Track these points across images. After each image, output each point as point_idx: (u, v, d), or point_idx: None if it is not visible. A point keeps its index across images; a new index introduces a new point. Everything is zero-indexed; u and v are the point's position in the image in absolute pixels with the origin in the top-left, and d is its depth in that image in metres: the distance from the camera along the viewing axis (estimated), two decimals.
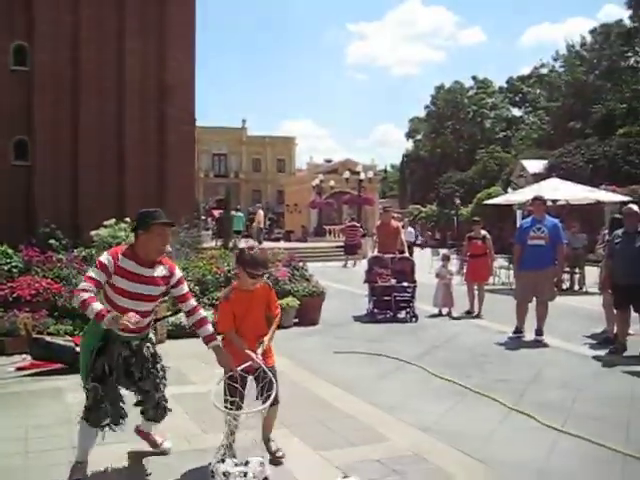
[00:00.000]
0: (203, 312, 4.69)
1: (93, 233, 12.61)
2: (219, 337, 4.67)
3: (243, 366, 4.48)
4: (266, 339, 4.68)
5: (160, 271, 4.49)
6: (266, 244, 29.67)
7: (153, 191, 15.66)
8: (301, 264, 12.87)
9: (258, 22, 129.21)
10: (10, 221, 13.68)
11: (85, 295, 4.13)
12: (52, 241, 12.67)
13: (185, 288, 4.67)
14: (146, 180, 15.66)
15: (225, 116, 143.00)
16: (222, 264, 12.09)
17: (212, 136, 67.88)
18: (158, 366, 4.80)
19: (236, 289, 4.77)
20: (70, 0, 15.48)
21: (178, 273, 4.66)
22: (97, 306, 4.12)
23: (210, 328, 4.60)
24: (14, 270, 10.91)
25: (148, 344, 4.71)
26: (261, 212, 32.43)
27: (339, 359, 8.85)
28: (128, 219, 12.88)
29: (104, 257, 4.34)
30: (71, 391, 7.48)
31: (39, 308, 10.03)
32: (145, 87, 15.87)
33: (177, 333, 10.20)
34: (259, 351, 4.55)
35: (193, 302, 4.69)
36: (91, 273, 4.29)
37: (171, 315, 10.10)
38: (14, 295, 10.21)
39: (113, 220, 12.85)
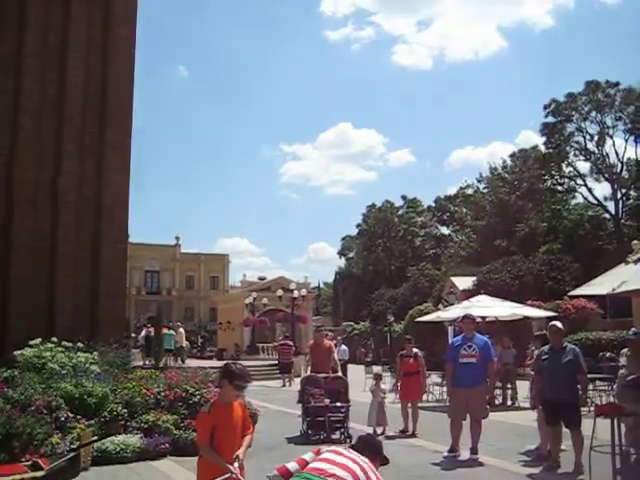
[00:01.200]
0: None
1: (17, 353, 12.15)
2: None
3: (222, 477, 4.55)
4: (240, 453, 4.83)
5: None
6: (198, 362, 29.02)
7: (84, 310, 15.32)
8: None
9: (193, 137, 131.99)
10: None
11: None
12: None
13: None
14: (77, 298, 15.34)
15: (159, 233, 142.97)
16: (152, 385, 11.74)
17: (145, 252, 67.56)
18: None
19: (216, 403, 4.99)
20: (8, 123, 15.54)
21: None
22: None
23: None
24: None
25: None
26: (182, 330, 31.78)
27: None
28: (55, 338, 12.52)
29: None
30: None
31: None
32: (81, 207, 15.86)
33: (103, 459, 9.75)
34: (235, 465, 4.65)
35: None
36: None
37: (97, 440, 9.68)
38: None
39: (39, 340, 12.45)
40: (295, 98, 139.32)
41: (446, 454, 10.22)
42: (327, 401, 12.40)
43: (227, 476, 4.51)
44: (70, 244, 15.62)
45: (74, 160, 16.05)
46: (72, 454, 8.71)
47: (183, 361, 27.89)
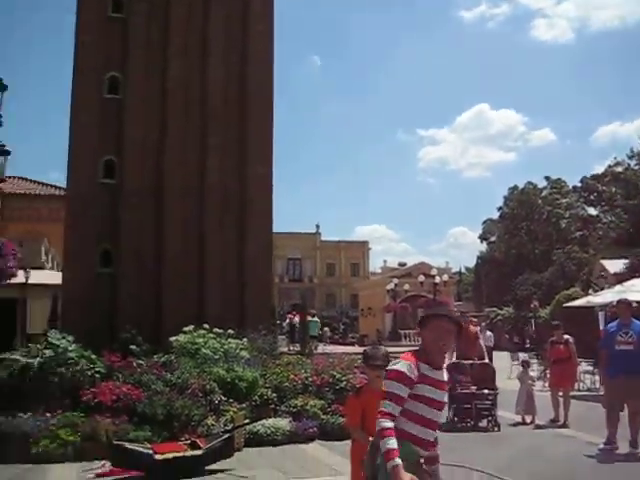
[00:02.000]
0: None
1: (172, 339, 12.85)
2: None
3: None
4: None
5: (445, 374, 4.00)
6: (341, 348, 29.42)
7: (233, 297, 15.96)
8: None
9: (329, 126, 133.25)
10: (94, 327, 14.08)
11: (388, 424, 3.63)
12: (133, 347, 12.95)
13: None
14: (226, 286, 16.00)
15: (299, 221, 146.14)
16: (299, 370, 12.05)
17: (287, 241, 69.11)
18: None
19: (365, 387, 5.13)
20: (157, 122, 16.39)
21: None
22: (393, 443, 3.57)
23: None
24: (97, 375, 11.16)
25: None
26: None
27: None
28: (207, 325, 13.12)
29: (403, 365, 3.79)
30: None
31: (119, 414, 10.17)
32: (226, 199, 16.49)
33: (255, 441, 10.13)
34: None
35: None
36: (394, 389, 3.73)
37: (249, 423, 10.06)
38: (96, 400, 10.41)
39: (192, 326, 13.09)
40: (430, 81, 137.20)
41: (602, 446, 9.74)
42: (474, 388, 12.22)
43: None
44: (217, 236, 16.29)
45: (218, 154, 16.70)
46: (227, 435, 9.12)
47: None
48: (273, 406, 11.15)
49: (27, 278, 22.90)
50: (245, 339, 13.20)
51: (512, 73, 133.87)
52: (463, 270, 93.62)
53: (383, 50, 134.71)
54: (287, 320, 31.60)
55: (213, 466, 8.73)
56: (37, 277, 24.99)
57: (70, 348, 11.31)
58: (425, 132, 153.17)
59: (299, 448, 10.23)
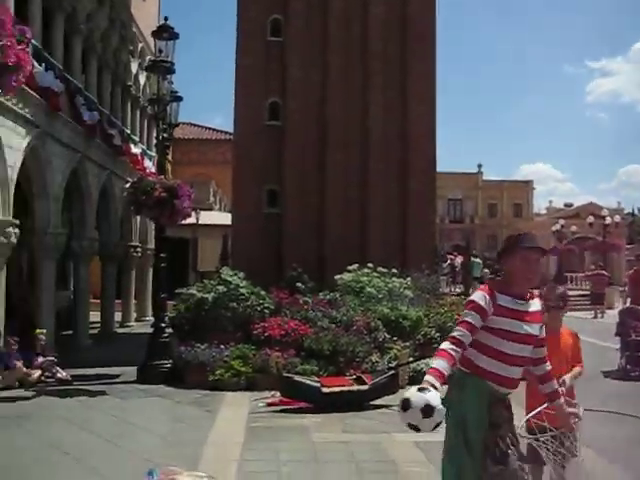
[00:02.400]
0: (549, 365, 3.96)
1: (337, 277, 13.13)
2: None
3: (540, 409, 4.08)
4: (567, 377, 4.57)
5: (536, 305, 3.74)
6: None
7: (394, 238, 15.97)
8: None
9: (491, 62, 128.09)
10: (262, 265, 14.66)
11: (445, 345, 3.35)
12: (299, 284, 13.37)
13: (544, 333, 3.88)
14: (388, 227, 16.03)
15: (460, 161, 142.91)
16: (462, 311, 11.94)
17: (447, 181, 67.79)
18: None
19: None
20: (319, 62, 16.49)
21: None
22: (438, 363, 3.23)
23: (554, 384, 3.98)
24: (266, 311, 11.68)
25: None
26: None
27: (590, 417, 8.26)
28: (370, 264, 13.26)
29: (478, 296, 3.57)
30: (316, 430, 7.78)
31: (288, 348, 10.62)
32: (387, 138, 16.37)
33: (418, 379, 10.21)
34: (562, 389, 4.17)
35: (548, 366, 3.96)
36: (466, 317, 3.49)
37: (414, 361, 10.15)
38: (266, 334, 10.93)
39: (356, 265, 13.29)
40: (601, 7, 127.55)
41: None
42: None
43: (545, 406, 4.11)
44: (379, 175, 16.28)
45: (380, 93, 16.56)
46: (391, 372, 9.26)
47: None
48: (436, 345, 11.15)
49: (197, 219, 24.24)
50: (409, 278, 13.22)
51: None
52: (636, 211, 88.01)
53: None
54: (448, 261, 31.25)
55: (378, 401, 8.93)
56: (207, 218, 26.40)
57: (241, 284, 11.88)
58: (595, 63, 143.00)
59: None
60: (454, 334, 3.41)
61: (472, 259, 26.89)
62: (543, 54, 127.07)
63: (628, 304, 12.76)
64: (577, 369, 4.80)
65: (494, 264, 43.97)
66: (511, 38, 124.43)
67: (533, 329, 3.64)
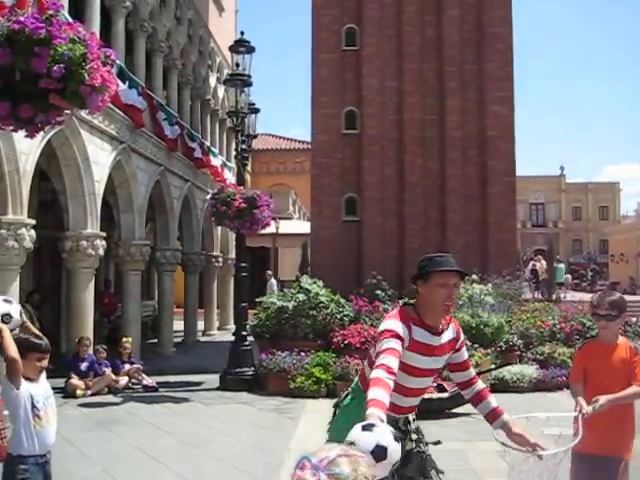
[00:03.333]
0: (481, 383, 3.63)
1: None
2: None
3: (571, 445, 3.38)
4: (603, 399, 3.70)
5: (449, 334, 3.38)
6: (589, 296, 27.95)
7: (474, 243, 15.79)
8: (634, 319, 11.94)
9: (573, 60, 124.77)
10: (342, 273, 14.75)
11: (380, 374, 2.81)
12: (378, 292, 13.34)
13: (466, 353, 3.57)
14: (467, 233, 15.87)
15: (540, 164, 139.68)
16: (546, 317, 11.68)
17: (529, 185, 66.53)
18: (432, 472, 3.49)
19: (595, 341, 4.25)
20: (394, 69, 16.51)
21: (462, 334, 3.56)
22: (380, 393, 2.72)
23: (492, 402, 3.49)
24: (345, 319, 11.72)
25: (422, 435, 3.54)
26: (543, 262, 29.52)
27: None
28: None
29: (396, 326, 3.10)
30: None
31: (366, 355, 10.60)
32: (465, 142, 16.24)
33: (500, 387, 10.04)
34: (589, 408, 3.65)
35: (472, 371, 3.64)
36: (390, 343, 2.99)
37: (496, 368, 9.98)
38: (345, 342, 10.96)
39: None
40: None
41: None
42: None
43: (574, 414, 3.70)
44: (458, 180, 16.14)
45: (457, 97, 16.44)
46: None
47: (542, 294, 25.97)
48: (519, 352, 10.96)
49: (277, 228, 24.52)
50: (489, 284, 13.03)
51: None
52: None
53: None
54: (530, 266, 30.49)
55: (459, 409, 8.82)
56: (286, 227, 26.68)
57: (321, 292, 11.95)
58: None
59: (546, 396, 9.98)
60: (384, 362, 2.88)
61: (555, 264, 26.16)
62: (625, 48, 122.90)
63: None
64: (632, 388, 3.93)
65: (578, 269, 42.84)
66: (592, 34, 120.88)
67: (438, 363, 3.35)
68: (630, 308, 17.10)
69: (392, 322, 3.12)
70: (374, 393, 2.69)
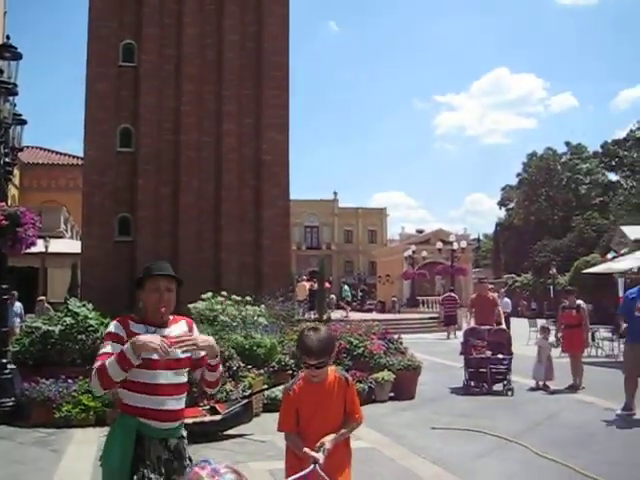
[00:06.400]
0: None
1: (191, 306, 12.93)
2: None
3: (301, 474, 3.39)
4: (327, 441, 3.57)
5: (179, 328, 3.60)
6: (358, 315, 29.52)
7: (249, 265, 16.06)
8: (396, 337, 12.77)
9: (344, 93, 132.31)
10: (114, 294, 14.23)
11: (97, 364, 3.24)
12: None
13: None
14: (242, 255, 16.10)
15: (316, 188, 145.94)
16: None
17: (304, 208, 69.09)
18: None
19: (303, 379, 3.80)
20: (172, 89, 16.41)
21: (197, 329, 3.75)
22: (111, 359, 3.20)
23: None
24: None
25: (185, 441, 3.61)
26: (305, 283, 30.58)
27: (437, 435, 8.62)
28: (224, 292, 13.21)
29: (113, 326, 3.44)
30: None
31: None
32: (242, 166, 16.52)
33: (273, 406, 10.22)
34: (320, 455, 3.48)
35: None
36: (106, 348, 3.33)
37: (267, 389, 10.15)
38: None
39: (210, 293, 13.18)
40: (444, 46, 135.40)
41: (619, 412, 9.74)
42: (489, 353, 12.28)
43: (308, 470, 3.42)
44: (233, 202, 16.33)
45: (234, 121, 16.68)
46: (245, 401, 9.22)
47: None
48: (291, 372, 11.24)
49: (47, 247, 23.15)
50: (263, 306, 13.28)
51: (533, 37, 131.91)
52: (481, 237, 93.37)
53: (397, 15, 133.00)
54: (308, 287, 31.49)
55: (232, 431, 8.85)
56: (56, 246, 25.26)
57: (90, 315, 11.43)
58: (442, 98, 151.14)
59: None
60: (96, 365, 3.25)
61: (342, 285, 27.15)
62: (395, 88, 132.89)
63: (472, 324, 13.47)
64: (348, 428, 3.78)
65: (350, 290, 44.99)
66: (363, 73, 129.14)
67: (179, 355, 3.40)
68: (393, 326, 18.26)
69: (111, 325, 3.46)
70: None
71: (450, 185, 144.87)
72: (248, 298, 13.18)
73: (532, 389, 12.39)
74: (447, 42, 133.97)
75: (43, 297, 20.29)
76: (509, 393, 11.79)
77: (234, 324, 12.08)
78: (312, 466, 3.43)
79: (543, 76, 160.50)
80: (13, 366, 11.13)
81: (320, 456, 3.47)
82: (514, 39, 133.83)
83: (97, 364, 3.24)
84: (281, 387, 10.88)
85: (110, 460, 3.43)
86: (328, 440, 3.58)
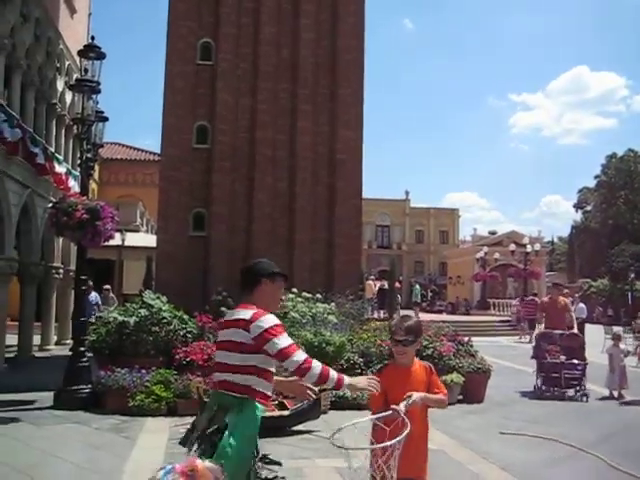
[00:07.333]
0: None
1: None
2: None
3: (381, 415, 3.65)
4: (416, 396, 3.78)
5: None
6: (428, 316, 29.31)
7: (320, 263, 16.10)
8: (466, 339, 12.63)
9: (419, 91, 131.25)
10: (187, 288, 14.53)
11: (319, 363, 3.73)
12: (223, 308, 13.25)
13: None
14: (314, 252, 16.16)
15: (388, 188, 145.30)
16: (386, 336, 12.07)
17: (375, 207, 68.87)
18: None
19: (390, 364, 4.32)
20: (248, 87, 16.59)
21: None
22: (334, 374, 3.74)
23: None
24: (189, 335, 11.54)
25: None
26: (371, 282, 30.63)
27: (505, 440, 8.48)
28: (295, 289, 13.30)
29: (275, 318, 3.88)
30: None
31: (210, 372, 10.48)
32: (316, 163, 16.58)
33: (341, 404, 10.26)
34: (402, 406, 3.67)
35: None
36: (290, 339, 3.84)
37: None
38: (188, 359, 10.79)
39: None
40: (521, 44, 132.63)
41: None
42: (563, 358, 12.02)
43: (388, 413, 3.64)
44: (306, 200, 16.42)
45: (309, 118, 16.76)
46: (314, 398, 9.27)
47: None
48: (360, 370, 11.25)
49: (123, 240, 23.82)
50: (333, 304, 13.31)
51: (616, 33, 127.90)
52: (556, 240, 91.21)
53: (476, 12, 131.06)
54: (378, 285, 31.43)
55: (299, 427, 8.92)
56: (132, 239, 25.96)
57: (164, 308, 11.71)
58: (518, 97, 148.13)
59: None
60: (304, 355, 3.77)
61: (412, 285, 26.99)
62: (469, 86, 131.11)
63: (543, 328, 13.24)
64: (440, 395, 4.10)
65: (420, 290, 44.68)
66: (438, 70, 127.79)
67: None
68: (463, 328, 18.08)
69: (275, 318, 3.85)
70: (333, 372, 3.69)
71: (525, 186, 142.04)
72: (318, 296, 13.24)
73: (605, 398, 12.05)
74: (524, 40, 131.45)
75: (108, 287, 20.91)
76: (584, 399, 11.53)
77: (304, 321, 12.16)
78: (390, 412, 3.63)
79: (625, 74, 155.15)
80: (90, 354, 11.52)
81: (401, 405, 3.67)
82: (594, 36, 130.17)
83: (316, 362, 3.74)
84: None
85: (249, 449, 3.73)
86: (416, 394, 3.79)
